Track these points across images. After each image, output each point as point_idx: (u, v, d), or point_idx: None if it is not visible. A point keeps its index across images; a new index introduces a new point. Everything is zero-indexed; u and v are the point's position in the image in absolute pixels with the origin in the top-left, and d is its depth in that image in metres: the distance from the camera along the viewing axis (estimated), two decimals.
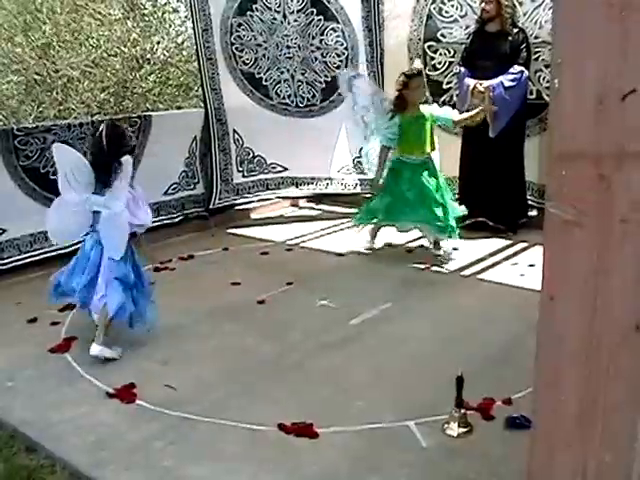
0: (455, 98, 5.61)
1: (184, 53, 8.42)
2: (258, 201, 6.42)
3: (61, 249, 4.88)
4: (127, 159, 3.27)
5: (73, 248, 4.87)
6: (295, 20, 6.06)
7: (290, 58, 6.15)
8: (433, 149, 4.88)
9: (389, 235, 5.51)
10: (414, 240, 5.32)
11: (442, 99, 5.73)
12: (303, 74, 6.19)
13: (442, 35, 5.79)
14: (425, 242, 5.15)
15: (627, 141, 1.35)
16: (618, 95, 1.34)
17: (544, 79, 5.34)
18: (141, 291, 3.52)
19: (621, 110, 1.34)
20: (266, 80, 6.19)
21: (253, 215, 6.44)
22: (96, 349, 3.38)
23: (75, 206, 3.39)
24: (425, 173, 4.78)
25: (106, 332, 3.44)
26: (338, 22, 6.03)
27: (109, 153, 3.35)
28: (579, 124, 1.41)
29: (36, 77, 7.60)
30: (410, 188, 4.78)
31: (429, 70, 5.80)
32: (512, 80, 5.16)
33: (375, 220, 5.06)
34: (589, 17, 1.36)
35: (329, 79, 6.16)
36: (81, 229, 3.49)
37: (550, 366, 1.54)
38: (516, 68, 5.18)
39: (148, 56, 8.15)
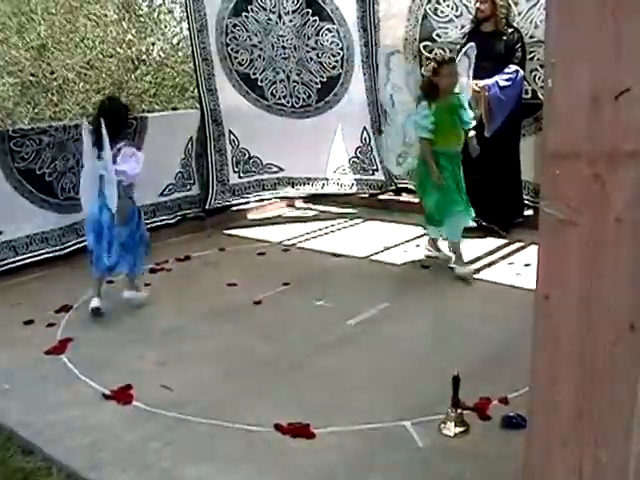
0: None
1: (179, 54, 8.42)
2: (254, 202, 6.42)
3: (57, 251, 4.90)
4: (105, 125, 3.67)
5: (70, 249, 4.91)
6: (290, 21, 6.05)
7: (285, 59, 6.15)
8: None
9: (388, 236, 5.52)
10: (411, 240, 5.33)
11: None
12: (299, 75, 6.19)
13: (437, 35, 5.80)
14: (422, 242, 5.14)
15: (621, 140, 1.35)
16: (612, 94, 1.34)
17: (539, 78, 5.35)
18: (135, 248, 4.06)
19: (615, 109, 1.34)
20: (262, 81, 6.18)
21: (249, 216, 6.44)
22: (127, 294, 4.09)
23: (89, 172, 3.87)
24: (460, 165, 4.57)
25: (99, 291, 4.00)
26: (333, 22, 6.03)
27: (98, 121, 3.74)
28: (573, 123, 1.41)
29: (31, 78, 7.59)
30: (451, 177, 4.49)
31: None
32: (507, 80, 5.16)
33: (439, 228, 4.70)
34: (582, 17, 1.36)
35: (325, 79, 6.16)
36: (94, 192, 3.89)
37: (546, 365, 1.54)
38: (511, 68, 5.17)
39: (143, 57, 8.14)
